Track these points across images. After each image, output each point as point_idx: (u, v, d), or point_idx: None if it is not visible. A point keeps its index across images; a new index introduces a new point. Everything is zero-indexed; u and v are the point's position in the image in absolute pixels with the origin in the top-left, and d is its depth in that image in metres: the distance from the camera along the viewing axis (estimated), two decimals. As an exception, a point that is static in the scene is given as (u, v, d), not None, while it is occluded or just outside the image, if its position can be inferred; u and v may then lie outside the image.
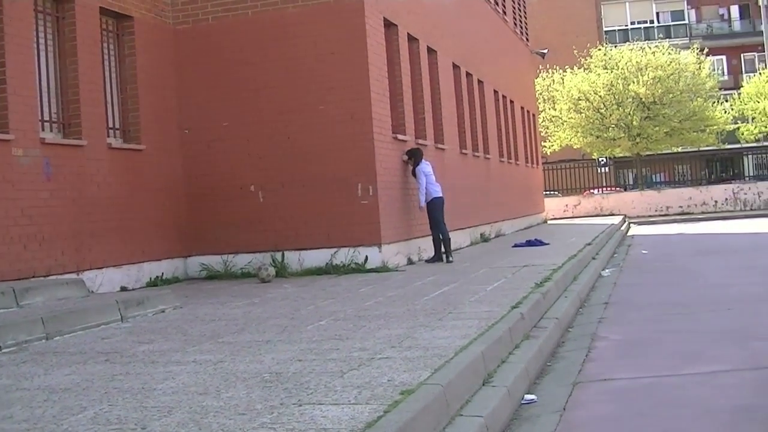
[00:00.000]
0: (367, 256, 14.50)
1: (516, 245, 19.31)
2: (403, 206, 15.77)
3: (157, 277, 14.11)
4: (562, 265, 13.65)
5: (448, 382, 5.49)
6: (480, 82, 23.51)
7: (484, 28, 25.54)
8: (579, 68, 46.42)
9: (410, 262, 15.83)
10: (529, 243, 19.46)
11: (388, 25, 16.10)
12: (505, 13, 29.07)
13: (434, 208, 15.83)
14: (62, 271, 11.78)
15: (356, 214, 14.55)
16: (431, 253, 16.08)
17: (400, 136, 15.98)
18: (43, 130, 12.02)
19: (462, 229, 19.16)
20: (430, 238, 16.07)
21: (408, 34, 17.25)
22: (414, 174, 15.90)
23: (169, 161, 14.89)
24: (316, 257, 14.66)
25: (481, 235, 21.75)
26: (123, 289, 12.96)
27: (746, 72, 58.68)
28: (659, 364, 7.19)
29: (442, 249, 15.81)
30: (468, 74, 22.23)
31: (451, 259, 15.68)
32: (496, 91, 25.71)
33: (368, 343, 7.11)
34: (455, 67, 20.97)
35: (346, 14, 14.69)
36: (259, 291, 12.31)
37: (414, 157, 15.97)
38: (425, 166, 15.86)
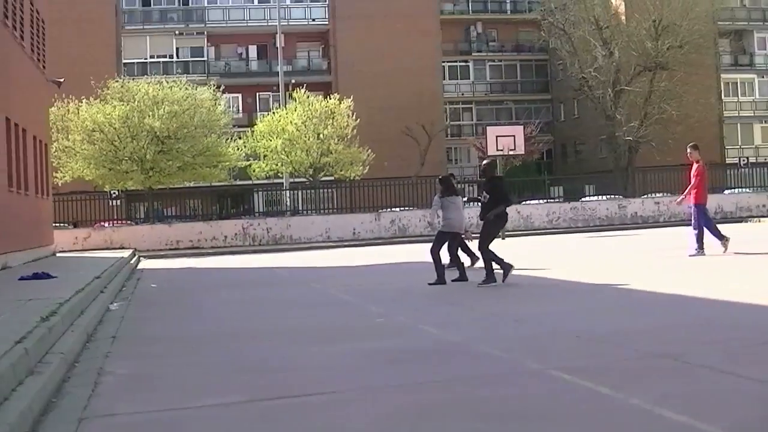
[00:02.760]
0: None
1: (22, 278, 18.64)
2: None
3: None
4: (69, 298, 13.43)
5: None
6: (-11, 107, 22.49)
7: (-5, 50, 24.48)
8: (96, 99, 45.84)
9: None
10: (36, 276, 18.87)
11: None
12: (22, 38, 28.04)
13: None
14: None
15: None
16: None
17: None
18: None
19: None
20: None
21: None
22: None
23: None
24: None
25: (-16, 266, 20.75)
26: None
27: (261, 110, 60.68)
28: (165, 397, 7.38)
29: None
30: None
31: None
32: (8, 119, 24.69)
33: None
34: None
35: None
36: None
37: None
38: None
